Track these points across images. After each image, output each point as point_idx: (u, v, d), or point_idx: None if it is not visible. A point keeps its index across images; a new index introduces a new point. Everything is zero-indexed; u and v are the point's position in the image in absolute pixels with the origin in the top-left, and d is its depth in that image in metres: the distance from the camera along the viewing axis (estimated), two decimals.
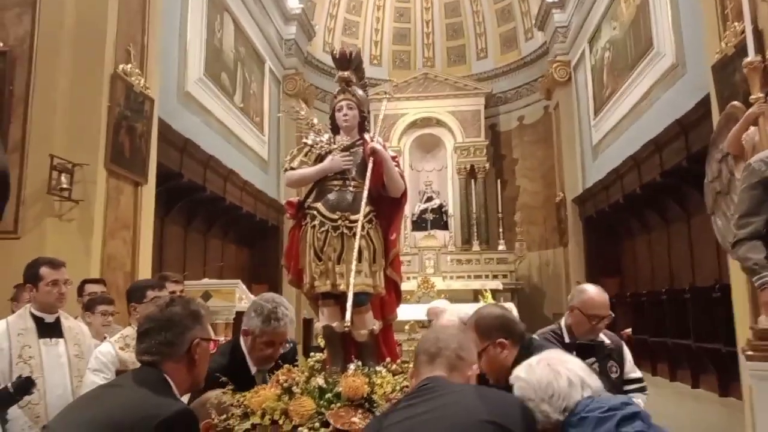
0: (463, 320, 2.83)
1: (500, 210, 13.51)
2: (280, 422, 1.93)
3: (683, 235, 7.77)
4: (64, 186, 4.88)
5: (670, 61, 7.38)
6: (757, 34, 4.48)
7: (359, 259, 2.48)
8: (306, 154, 2.73)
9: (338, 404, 2.00)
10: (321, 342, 2.60)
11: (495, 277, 12.63)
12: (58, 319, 2.99)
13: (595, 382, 1.54)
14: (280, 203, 11.64)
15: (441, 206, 14.19)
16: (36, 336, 2.89)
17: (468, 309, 2.89)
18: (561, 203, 12.02)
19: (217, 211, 9.39)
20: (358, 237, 2.49)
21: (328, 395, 2.02)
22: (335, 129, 2.78)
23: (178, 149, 7.53)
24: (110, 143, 5.32)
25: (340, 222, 2.56)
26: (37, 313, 2.93)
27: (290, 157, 2.77)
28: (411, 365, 1.72)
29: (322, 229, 2.56)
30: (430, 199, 14.27)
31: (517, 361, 1.78)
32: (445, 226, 13.99)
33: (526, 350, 1.91)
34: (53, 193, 4.88)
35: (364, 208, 2.54)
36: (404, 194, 2.76)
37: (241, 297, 5.45)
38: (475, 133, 14.05)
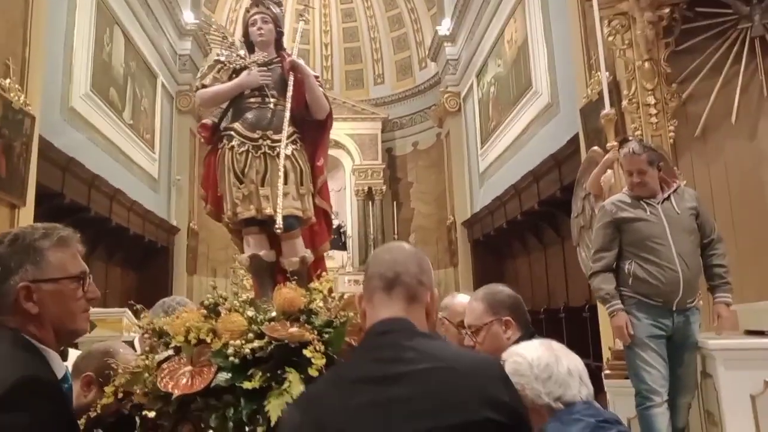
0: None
1: (396, 231, 13.95)
2: (208, 340, 1.71)
3: (558, 258, 8.48)
4: None
5: (546, 101, 8.10)
6: (615, 85, 5.12)
7: (285, 181, 2.27)
8: (219, 71, 2.50)
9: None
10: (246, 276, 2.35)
11: None
12: None
13: (590, 386, 1.44)
14: (171, 224, 11.25)
15: (339, 227, 14.37)
16: None
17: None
18: (452, 226, 12.63)
19: (101, 233, 8.90)
20: (282, 156, 2.28)
21: (261, 318, 1.79)
22: (249, 47, 2.57)
23: (60, 168, 7.11)
24: None
25: (261, 141, 2.34)
26: None
27: (200, 75, 2.54)
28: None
29: (242, 149, 2.33)
30: None
31: None
32: (343, 247, 14.19)
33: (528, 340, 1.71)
34: None
35: (286, 126, 2.34)
36: (329, 116, 2.56)
37: (129, 326, 5.23)
38: (373, 156, 14.46)
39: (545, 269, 9.09)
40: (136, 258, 10.57)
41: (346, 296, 1.92)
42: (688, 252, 2.85)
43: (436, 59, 13.53)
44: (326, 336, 1.74)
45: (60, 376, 1.28)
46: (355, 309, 1.64)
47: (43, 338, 1.26)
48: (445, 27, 12.60)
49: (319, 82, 2.53)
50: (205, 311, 1.85)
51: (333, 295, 1.93)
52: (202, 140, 2.54)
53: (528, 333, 1.81)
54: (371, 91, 15.61)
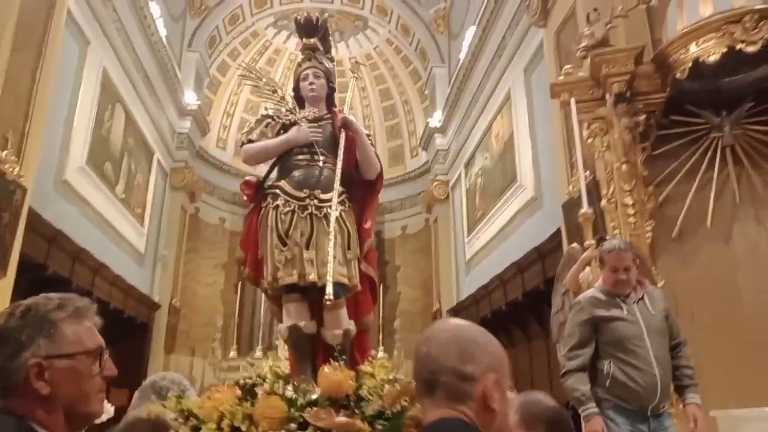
0: None
1: (381, 315, 13.78)
2: (244, 429, 1.52)
3: (542, 353, 8.37)
4: None
5: (530, 194, 8.32)
6: (595, 184, 5.30)
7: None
8: (267, 126, 2.37)
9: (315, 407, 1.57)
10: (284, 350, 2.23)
11: None
12: None
13: None
14: (152, 300, 11.09)
15: None
16: None
17: None
18: (437, 312, 12.52)
19: None
20: (333, 217, 2.10)
21: (301, 402, 1.56)
22: (299, 102, 2.46)
23: (46, 240, 7.10)
24: None
25: (308, 201, 2.20)
26: None
27: (247, 129, 2.41)
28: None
29: (287, 209, 2.19)
30: None
31: None
32: None
33: None
34: None
35: (338, 186, 2.17)
36: (380, 177, 2.41)
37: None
38: None
39: (529, 363, 8.95)
40: (114, 333, 10.31)
41: (401, 382, 1.69)
42: (662, 355, 2.84)
43: (427, 148, 13.97)
44: (379, 428, 1.55)
45: None
46: (410, 395, 1.46)
47: (52, 425, 1.11)
48: (436, 119, 13.11)
49: (370, 140, 2.42)
50: (239, 392, 1.64)
51: (383, 377, 1.70)
52: (245, 199, 2.40)
53: None
54: None
